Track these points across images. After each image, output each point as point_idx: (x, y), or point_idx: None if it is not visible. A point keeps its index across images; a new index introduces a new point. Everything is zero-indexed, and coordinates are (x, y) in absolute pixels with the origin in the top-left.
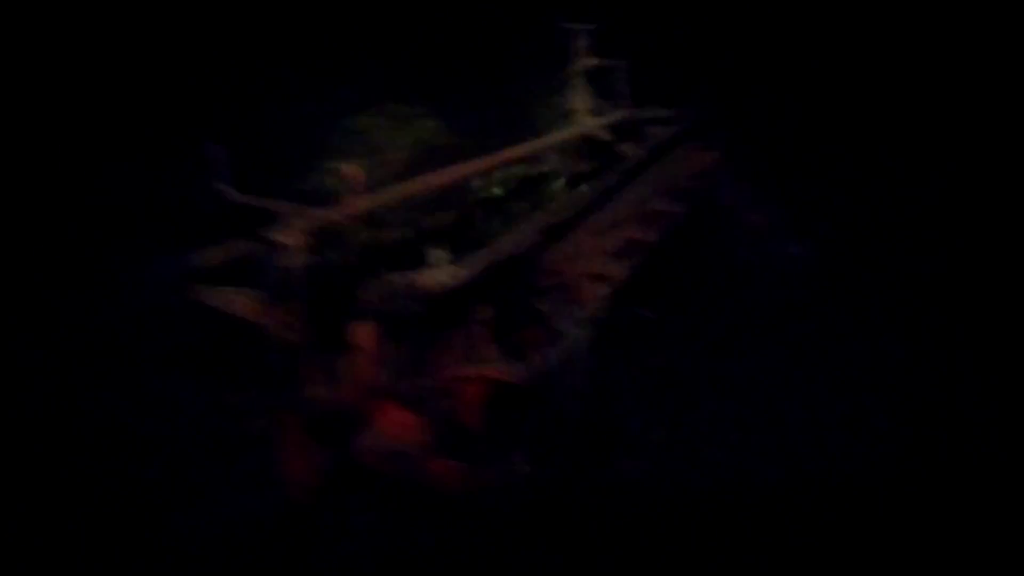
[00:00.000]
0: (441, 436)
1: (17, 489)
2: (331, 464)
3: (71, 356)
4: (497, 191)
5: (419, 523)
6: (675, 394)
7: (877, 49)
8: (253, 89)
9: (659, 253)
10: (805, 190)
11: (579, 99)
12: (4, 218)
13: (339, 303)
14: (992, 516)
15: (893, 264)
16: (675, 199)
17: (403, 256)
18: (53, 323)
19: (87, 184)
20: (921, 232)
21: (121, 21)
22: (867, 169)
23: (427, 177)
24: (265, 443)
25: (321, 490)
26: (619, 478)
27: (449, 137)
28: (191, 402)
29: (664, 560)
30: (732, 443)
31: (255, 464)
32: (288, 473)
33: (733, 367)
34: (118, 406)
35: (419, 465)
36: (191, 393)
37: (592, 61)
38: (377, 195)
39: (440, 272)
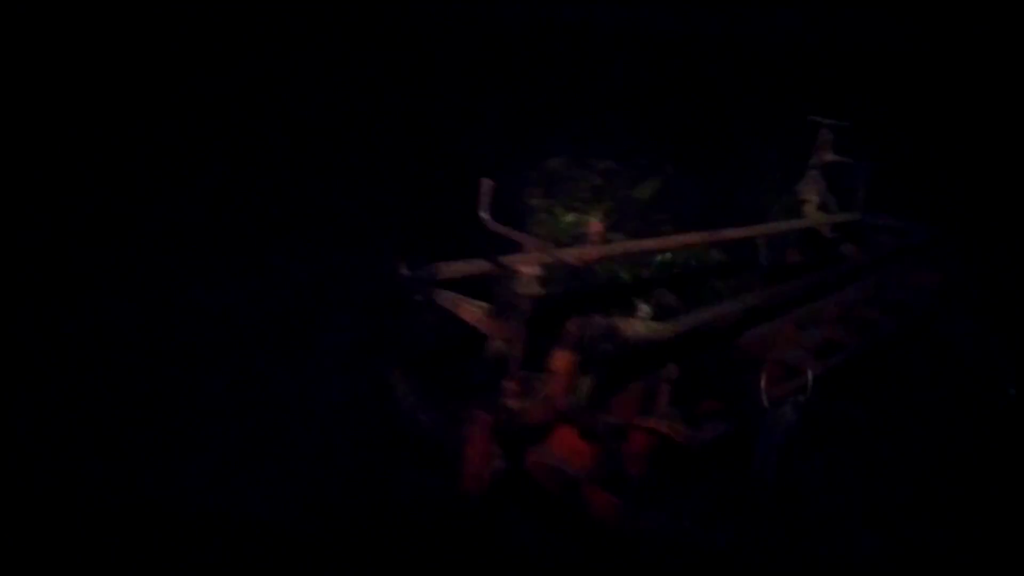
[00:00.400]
0: (606, 470)
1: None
2: (505, 468)
3: (325, 348)
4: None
5: (569, 542)
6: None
7: None
8: (518, 137)
9: (861, 361)
10: None
11: (811, 192)
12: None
13: (550, 331)
14: None
15: None
16: (888, 312)
17: (613, 302)
18: (327, 311)
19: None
20: None
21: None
22: None
23: (650, 240)
24: (456, 434)
25: (490, 488)
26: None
27: (670, 206)
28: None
29: None
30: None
31: (443, 449)
32: (467, 466)
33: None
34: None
35: (580, 490)
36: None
37: (832, 157)
38: (609, 247)
39: (641, 324)
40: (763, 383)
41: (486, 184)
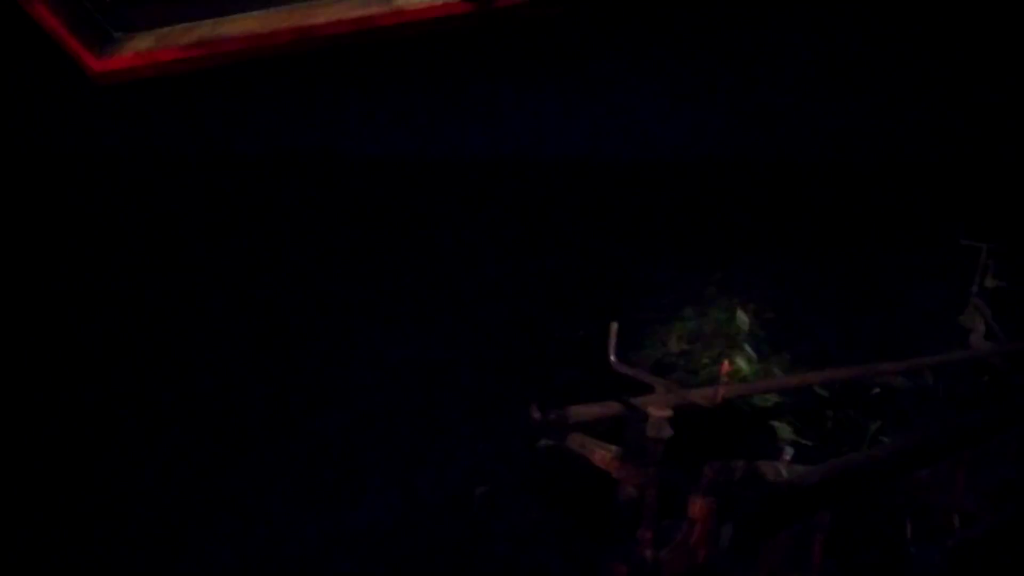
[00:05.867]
0: None
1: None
2: None
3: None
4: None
5: None
6: None
7: None
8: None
9: None
10: None
11: (976, 320)
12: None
13: (686, 476)
14: None
15: None
16: None
17: (752, 444)
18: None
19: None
20: None
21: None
22: None
23: (794, 376)
24: None
25: None
26: None
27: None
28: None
29: None
30: None
31: None
32: None
33: None
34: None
35: None
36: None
37: (996, 282)
38: (746, 385)
39: (787, 468)
40: (908, 530)
41: (614, 327)
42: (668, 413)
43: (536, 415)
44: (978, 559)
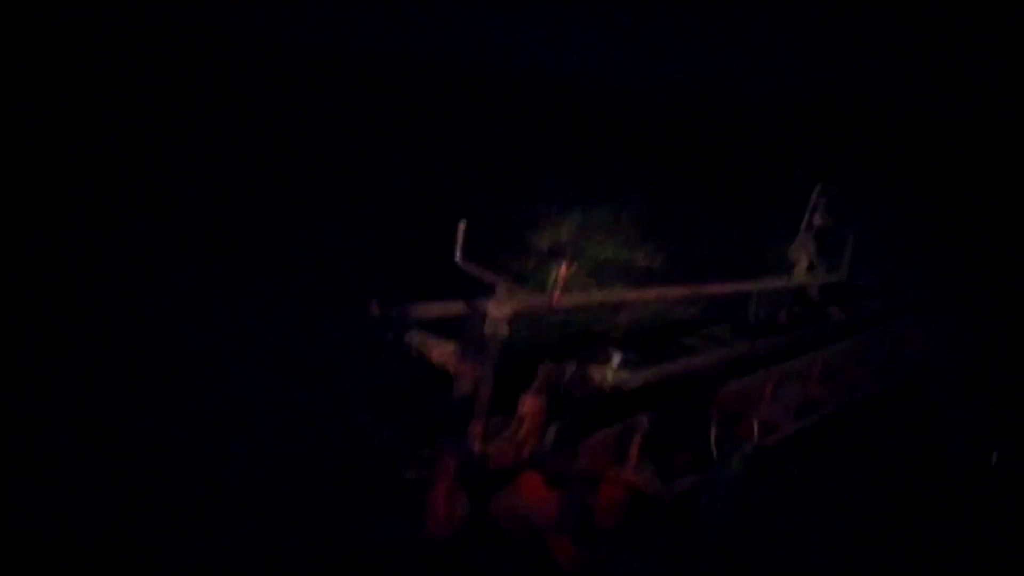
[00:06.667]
0: (572, 520)
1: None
2: (471, 512)
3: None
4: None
5: None
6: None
7: None
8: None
9: (842, 419)
10: None
11: (801, 253)
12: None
13: (519, 375)
14: None
15: None
16: (874, 372)
17: (586, 349)
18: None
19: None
20: None
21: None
22: None
23: (628, 291)
24: (420, 479)
25: (456, 533)
26: None
27: (663, 259)
28: (372, 431)
29: None
30: None
31: (409, 493)
32: (433, 510)
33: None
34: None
35: (546, 539)
36: (373, 422)
37: (823, 220)
38: (583, 294)
39: (614, 372)
40: (712, 435)
41: (461, 226)
42: (507, 313)
43: (375, 311)
44: (772, 463)
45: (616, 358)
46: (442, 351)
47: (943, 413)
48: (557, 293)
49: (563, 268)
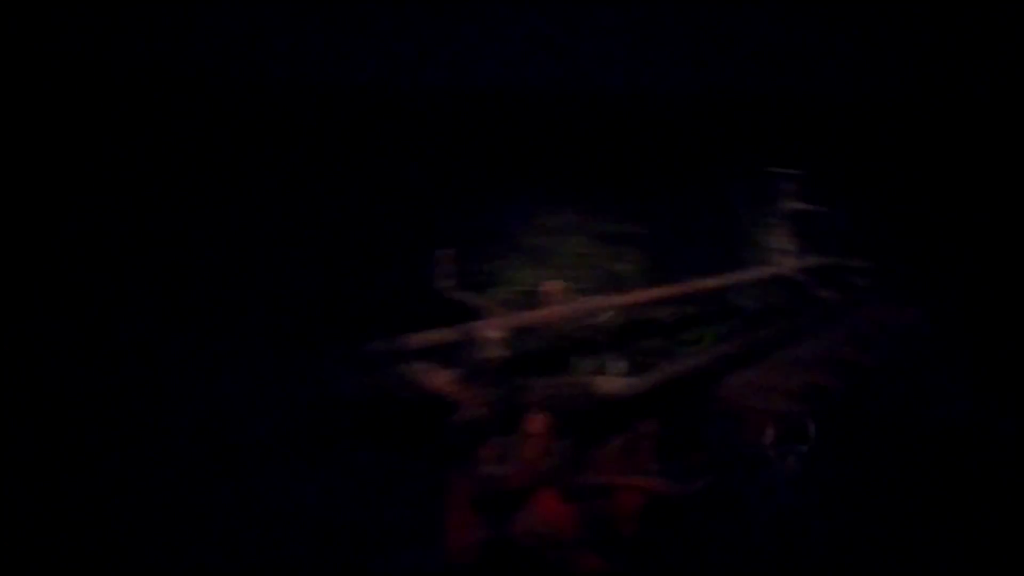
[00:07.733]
0: (592, 532)
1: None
2: (489, 536)
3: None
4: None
5: None
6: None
7: None
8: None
9: (841, 401)
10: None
11: (781, 240)
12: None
13: (522, 393)
14: None
15: None
16: (866, 351)
17: (581, 359)
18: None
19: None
20: None
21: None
22: None
23: (616, 296)
24: (436, 507)
25: (477, 558)
26: None
27: (645, 261)
28: (377, 465)
29: None
30: None
31: (425, 523)
32: (450, 537)
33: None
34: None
35: (568, 555)
36: (379, 456)
37: (798, 205)
38: (572, 305)
39: (616, 380)
40: (768, 436)
41: (440, 254)
42: (501, 334)
43: (372, 345)
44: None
45: (614, 366)
46: (440, 379)
47: (928, 381)
48: (547, 307)
49: (552, 283)
